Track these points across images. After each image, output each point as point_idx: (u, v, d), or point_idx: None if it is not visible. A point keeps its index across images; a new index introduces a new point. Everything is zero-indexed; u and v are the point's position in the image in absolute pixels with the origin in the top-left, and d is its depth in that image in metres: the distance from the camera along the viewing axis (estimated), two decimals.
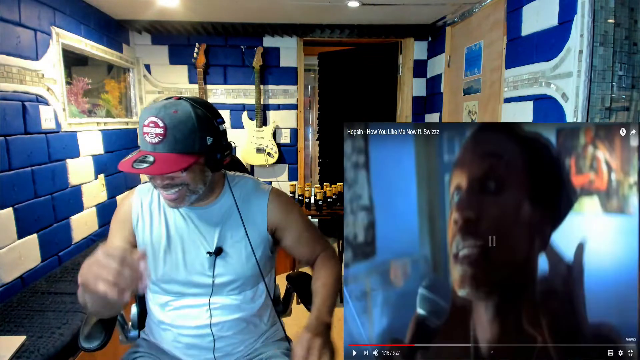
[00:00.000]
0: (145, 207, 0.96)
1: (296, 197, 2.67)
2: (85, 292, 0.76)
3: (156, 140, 0.79)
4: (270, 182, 3.23)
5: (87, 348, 0.95)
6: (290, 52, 3.09)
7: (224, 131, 0.89)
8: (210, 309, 0.94)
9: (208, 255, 0.92)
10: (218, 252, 0.93)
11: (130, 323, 1.12)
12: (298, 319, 1.43)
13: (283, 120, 3.17)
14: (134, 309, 1.12)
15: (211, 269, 0.93)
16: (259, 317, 1.02)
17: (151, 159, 0.78)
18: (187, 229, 0.94)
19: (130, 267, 0.64)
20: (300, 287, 1.17)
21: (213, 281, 0.93)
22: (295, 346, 0.84)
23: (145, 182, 0.97)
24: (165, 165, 0.78)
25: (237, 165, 1.26)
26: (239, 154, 3.12)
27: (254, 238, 0.95)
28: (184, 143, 0.80)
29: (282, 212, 0.99)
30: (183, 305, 0.95)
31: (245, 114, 3.07)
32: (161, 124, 0.78)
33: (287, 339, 1.09)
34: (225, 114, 3.11)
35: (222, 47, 3.03)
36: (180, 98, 0.83)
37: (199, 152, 0.83)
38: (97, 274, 0.63)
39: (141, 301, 1.12)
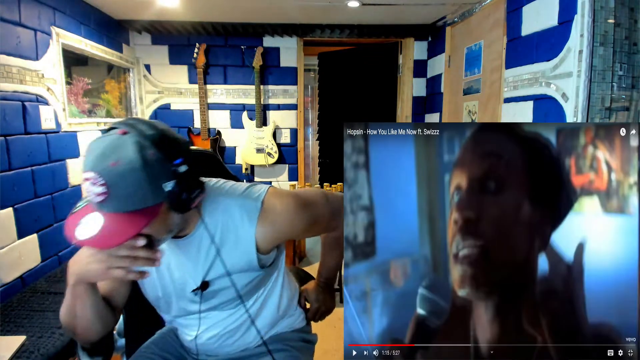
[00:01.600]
0: None
1: None
2: (78, 295, 0.74)
3: (98, 199, 0.64)
4: (270, 182, 3.24)
5: None
6: (290, 52, 3.09)
7: (189, 169, 0.70)
8: (196, 341, 0.91)
9: (194, 292, 0.84)
10: (204, 286, 0.84)
11: (115, 332, 1.10)
12: None
13: (283, 120, 3.17)
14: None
15: (196, 299, 0.86)
16: (252, 334, 0.96)
17: (98, 226, 0.65)
18: (173, 260, 0.85)
19: (143, 251, 0.69)
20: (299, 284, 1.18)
21: (200, 312, 0.87)
22: (309, 297, 1.09)
23: None
24: (113, 234, 0.64)
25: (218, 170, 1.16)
26: (239, 154, 3.12)
27: (241, 267, 0.85)
28: (133, 200, 0.65)
29: (278, 235, 0.87)
30: (179, 323, 0.94)
31: (245, 114, 3.07)
32: (100, 182, 0.63)
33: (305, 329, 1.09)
34: (225, 114, 3.11)
35: (222, 47, 3.03)
36: (126, 132, 0.66)
37: (155, 203, 0.67)
38: (109, 264, 0.68)
39: (126, 309, 1.08)
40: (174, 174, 0.68)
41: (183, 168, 0.69)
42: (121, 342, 1.08)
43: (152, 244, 0.72)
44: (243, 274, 0.85)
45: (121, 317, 1.10)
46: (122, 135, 0.66)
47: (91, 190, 0.64)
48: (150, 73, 3.00)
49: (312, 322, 1.18)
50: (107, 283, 0.85)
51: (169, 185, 0.67)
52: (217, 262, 0.82)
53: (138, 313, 1.13)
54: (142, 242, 0.68)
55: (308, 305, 1.15)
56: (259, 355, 0.97)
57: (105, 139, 0.66)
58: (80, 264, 0.71)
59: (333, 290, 1.16)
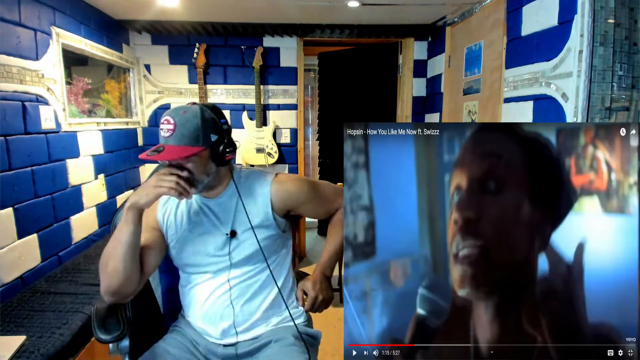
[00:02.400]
0: (170, 203, 1.11)
1: None
2: (127, 221, 0.93)
3: (167, 134, 0.95)
4: None
5: (104, 339, 0.96)
6: (290, 52, 3.08)
7: (228, 131, 1.04)
8: (229, 280, 1.06)
9: (226, 236, 1.06)
10: (232, 234, 1.07)
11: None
12: None
13: (283, 120, 3.17)
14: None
15: (227, 248, 1.06)
16: (272, 288, 1.10)
17: (161, 149, 0.94)
18: (205, 217, 1.08)
19: (182, 181, 0.94)
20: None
21: (230, 257, 1.06)
22: (306, 287, 1.09)
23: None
24: (170, 154, 0.95)
25: None
26: (239, 154, 3.12)
27: (260, 221, 1.08)
28: (189, 137, 0.95)
29: (288, 197, 1.11)
30: (204, 280, 1.08)
31: (245, 114, 3.07)
32: (172, 122, 0.95)
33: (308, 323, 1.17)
34: (225, 114, 3.11)
35: (222, 47, 3.03)
36: (195, 103, 1.01)
37: (203, 146, 0.97)
38: (155, 185, 0.93)
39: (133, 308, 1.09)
40: (219, 130, 1.01)
41: (225, 126, 1.03)
42: (125, 343, 1.07)
43: (191, 181, 0.98)
44: (262, 229, 1.07)
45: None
46: (192, 105, 1.00)
47: (164, 127, 0.95)
48: (150, 73, 3.00)
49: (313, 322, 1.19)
50: (147, 234, 1.03)
51: (214, 137, 0.99)
52: (242, 216, 1.06)
53: (143, 314, 1.13)
54: (185, 173, 0.96)
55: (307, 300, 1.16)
56: (269, 344, 1.05)
57: (181, 105, 1.00)
58: (136, 194, 0.95)
59: (330, 282, 1.17)
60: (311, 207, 1.17)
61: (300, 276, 1.28)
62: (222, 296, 1.06)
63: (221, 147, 1.00)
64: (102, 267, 0.96)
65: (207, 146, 0.98)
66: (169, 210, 1.10)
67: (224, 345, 1.06)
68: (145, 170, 2.98)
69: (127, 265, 0.94)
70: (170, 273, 1.23)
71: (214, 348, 1.07)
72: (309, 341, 1.11)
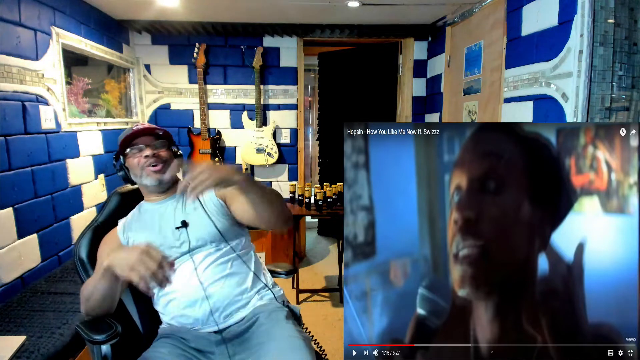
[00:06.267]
0: (127, 223, 1.22)
1: (296, 197, 2.67)
2: (104, 277, 0.94)
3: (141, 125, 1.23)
4: (270, 183, 3.24)
5: (99, 339, 0.95)
6: (290, 52, 3.08)
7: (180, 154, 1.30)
8: (196, 268, 1.11)
9: (178, 228, 1.15)
10: (184, 224, 1.15)
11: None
12: None
13: (283, 120, 3.17)
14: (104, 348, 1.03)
15: (183, 235, 1.14)
16: (245, 271, 1.16)
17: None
18: (159, 215, 1.20)
19: (162, 271, 0.86)
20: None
21: (189, 243, 1.13)
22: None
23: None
24: (146, 127, 1.22)
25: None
26: (239, 154, 3.12)
27: (209, 204, 1.19)
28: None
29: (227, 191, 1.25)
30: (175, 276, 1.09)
31: (245, 114, 3.07)
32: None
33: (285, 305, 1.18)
34: (225, 114, 3.12)
35: (222, 47, 3.03)
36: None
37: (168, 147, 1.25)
38: (133, 266, 0.85)
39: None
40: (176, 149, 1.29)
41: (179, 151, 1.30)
42: (106, 348, 1.01)
43: (165, 162, 1.20)
44: (212, 212, 1.18)
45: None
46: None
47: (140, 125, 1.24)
48: (150, 73, 3.00)
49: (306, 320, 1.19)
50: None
51: (172, 147, 1.27)
52: (190, 209, 1.18)
53: (122, 335, 1.06)
54: (163, 145, 1.22)
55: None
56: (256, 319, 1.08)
57: None
58: (117, 258, 0.91)
59: (228, 172, 0.96)
60: (240, 203, 1.20)
61: (273, 274, 1.32)
62: (193, 282, 1.10)
63: (178, 153, 1.26)
64: (82, 299, 1.02)
65: (171, 150, 1.24)
66: (127, 226, 1.20)
67: (214, 332, 1.08)
68: None
69: (107, 302, 1.02)
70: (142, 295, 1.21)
71: (208, 337, 1.08)
72: (295, 315, 1.15)
